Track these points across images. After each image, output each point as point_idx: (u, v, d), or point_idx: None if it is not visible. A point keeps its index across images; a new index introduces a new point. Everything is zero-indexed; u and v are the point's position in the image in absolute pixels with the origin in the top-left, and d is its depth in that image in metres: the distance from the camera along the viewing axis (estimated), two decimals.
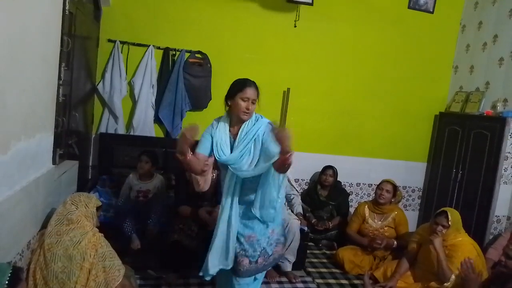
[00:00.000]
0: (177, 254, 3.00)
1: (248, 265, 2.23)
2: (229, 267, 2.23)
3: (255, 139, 2.15)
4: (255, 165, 2.15)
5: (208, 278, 2.26)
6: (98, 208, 2.22)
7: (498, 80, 4.05)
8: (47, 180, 2.29)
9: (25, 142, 1.93)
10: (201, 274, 2.25)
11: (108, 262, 2.04)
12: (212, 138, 2.20)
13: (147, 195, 3.30)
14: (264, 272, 2.37)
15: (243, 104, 2.13)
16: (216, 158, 2.18)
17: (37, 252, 2.01)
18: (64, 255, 1.95)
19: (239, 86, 2.16)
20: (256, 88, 2.17)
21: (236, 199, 2.20)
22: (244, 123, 2.19)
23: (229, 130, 2.23)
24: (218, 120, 2.27)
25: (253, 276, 2.29)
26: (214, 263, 2.22)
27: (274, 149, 1.99)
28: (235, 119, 2.22)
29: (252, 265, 2.25)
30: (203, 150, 2.19)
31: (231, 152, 2.18)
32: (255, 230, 2.24)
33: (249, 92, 2.14)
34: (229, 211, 2.20)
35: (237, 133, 2.19)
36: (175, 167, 3.58)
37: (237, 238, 2.24)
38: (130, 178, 3.36)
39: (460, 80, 4.59)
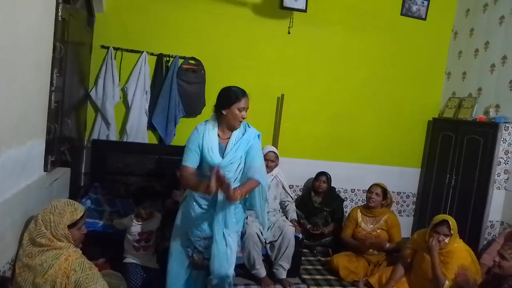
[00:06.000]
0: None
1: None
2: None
3: (246, 151, 2.31)
4: (241, 172, 2.33)
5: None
6: (79, 220, 1.96)
7: (490, 86, 4.09)
8: (39, 187, 2.25)
9: (16, 149, 1.90)
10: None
11: None
12: (199, 147, 2.28)
13: (150, 239, 2.86)
14: None
15: (239, 113, 2.26)
16: (208, 161, 2.26)
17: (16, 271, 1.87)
18: (32, 284, 1.81)
19: (235, 96, 2.26)
20: (247, 96, 2.31)
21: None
22: (235, 130, 2.33)
23: (218, 134, 2.33)
24: (204, 124, 2.35)
25: None
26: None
27: (256, 163, 2.30)
28: (225, 126, 2.33)
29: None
30: (193, 163, 2.29)
31: (221, 156, 2.29)
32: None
33: (245, 102, 2.27)
34: (224, 212, 2.28)
35: (227, 139, 2.33)
36: (168, 174, 3.58)
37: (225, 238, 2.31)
38: (127, 220, 2.87)
39: (453, 86, 4.62)
